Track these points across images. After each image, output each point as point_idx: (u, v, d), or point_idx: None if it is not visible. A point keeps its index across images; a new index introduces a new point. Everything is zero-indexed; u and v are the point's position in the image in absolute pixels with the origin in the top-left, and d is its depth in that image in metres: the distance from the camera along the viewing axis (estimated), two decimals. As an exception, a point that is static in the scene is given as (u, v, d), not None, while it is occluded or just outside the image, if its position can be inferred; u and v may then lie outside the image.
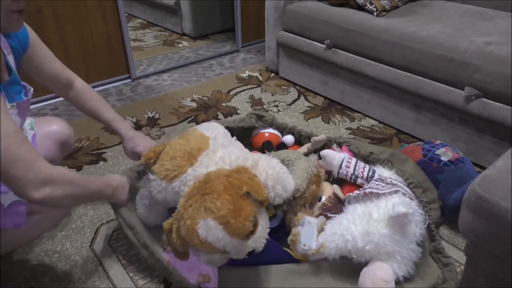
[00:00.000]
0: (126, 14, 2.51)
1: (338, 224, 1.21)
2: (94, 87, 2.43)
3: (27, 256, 1.34)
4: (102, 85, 2.48)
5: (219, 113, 2.18)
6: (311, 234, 1.21)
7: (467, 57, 1.63)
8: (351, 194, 1.28)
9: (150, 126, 2.08)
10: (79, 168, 1.76)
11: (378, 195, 1.22)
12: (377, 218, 1.17)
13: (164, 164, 1.17)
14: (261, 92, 2.41)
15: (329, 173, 1.42)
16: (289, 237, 1.20)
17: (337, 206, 1.31)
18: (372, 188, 1.24)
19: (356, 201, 1.26)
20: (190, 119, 2.13)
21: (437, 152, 1.43)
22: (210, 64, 2.82)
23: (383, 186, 1.25)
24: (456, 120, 1.75)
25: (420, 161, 1.43)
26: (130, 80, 2.57)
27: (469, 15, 1.99)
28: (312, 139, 1.55)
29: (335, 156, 1.39)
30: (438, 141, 1.51)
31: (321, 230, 1.23)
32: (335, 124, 2.07)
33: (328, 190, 1.35)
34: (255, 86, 2.48)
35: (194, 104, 2.27)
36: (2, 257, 1.32)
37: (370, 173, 1.35)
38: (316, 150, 1.53)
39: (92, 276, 1.27)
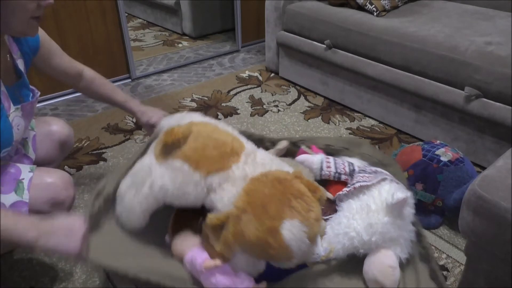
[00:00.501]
0: (126, 14, 2.51)
1: (338, 224, 1.20)
2: (94, 87, 2.45)
3: (27, 256, 1.34)
4: (102, 85, 2.48)
5: (219, 113, 2.18)
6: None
7: (467, 57, 1.63)
8: (341, 192, 1.27)
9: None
10: (79, 168, 1.76)
11: (368, 187, 1.23)
12: (376, 208, 1.18)
13: (201, 152, 0.99)
14: (261, 92, 2.41)
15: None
16: None
17: (330, 207, 1.30)
18: (360, 181, 1.25)
19: (348, 198, 1.25)
20: (190, 119, 2.13)
21: (437, 152, 1.43)
22: (210, 64, 2.82)
23: (368, 177, 1.26)
24: (456, 120, 1.75)
25: (420, 161, 1.43)
26: (130, 80, 2.57)
27: (469, 15, 1.99)
28: (275, 149, 1.48)
29: (313, 160, 1.38)
30: (438, 141, 1.51)
31: (322, 234, 1.23)
32: (335, 124, 2.07)
33: None
34: (255, 86, 2.48)
35: (194, 104, 2.27)
36: (2, 257, 1.32)
37: (351, 167, 1.36)
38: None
39: (92, 276, 1.27)
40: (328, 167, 1.36)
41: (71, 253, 0.90)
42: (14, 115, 1.11)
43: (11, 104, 1.11)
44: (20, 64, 1.19)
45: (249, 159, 1.02)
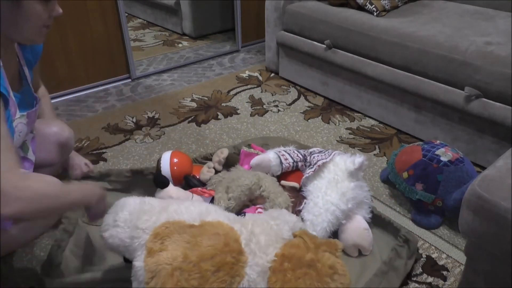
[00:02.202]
0: (126, 14, 2.51)
1: (315, 206, 1.28)
2: (94, 87, 2.45)
3: (27, 256, 1.34)
4: (102, 85, 2.48)
5: (219, 113, 2.18)
6: None
7: (467, 57, 1.63)
8: (307, 175, 1.35)
9: (150, 126, 2.08)
10: (79, 168, 1.76)
11: (324, 164, 1.35)
12: (341, 178, 1.30)
13: (197, 275, 0.92)
14: (261, 92, 2.41)
15: None
16: None
17: (297, 196, 1.35)
18: (319, 160, 1.36)
19: (311, 180, 1.34)
20: (190, 119, 2.13)
21: (437, 152, 1.43)
22: (210, 64, 2.82)
23: (322, 155, 1.39)
24: (456, 120, 1.75)
25: (420, 161, 1.43)
26: (130, 80, 2.57)
27: (469, 15, 1.99)
28: (219, 159, 1.49)
29: (269, 157, 1.40)
30: (438, 141, 1.51)
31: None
32: (335, 124, 2.07)
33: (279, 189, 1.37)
34: (255, 86, 2.48)
35: (194, 104, 2.27)
36: (2, 257, 1.32)
37: (301, 153, 1.44)
38: (228, 164, 1.50)
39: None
40: (286, 159, 1.43)
41: (102, 214, 1.09)
42: (18, 121, 1.12)
43: (17, 111, 1.11)
44: (26, 71, 1.20)
45: (255, 246, 0.99)
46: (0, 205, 0.83)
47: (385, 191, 1.62)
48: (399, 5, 2.15)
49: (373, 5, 2.03)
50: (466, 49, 1.65)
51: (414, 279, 1.25)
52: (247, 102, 2.30)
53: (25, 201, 0.87)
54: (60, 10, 1.09)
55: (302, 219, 1.28)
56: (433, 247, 1.36)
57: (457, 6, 2.15)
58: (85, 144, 1.93)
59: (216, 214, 1.05)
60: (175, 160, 1.42)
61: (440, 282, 1.24)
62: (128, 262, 1.12)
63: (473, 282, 1.02)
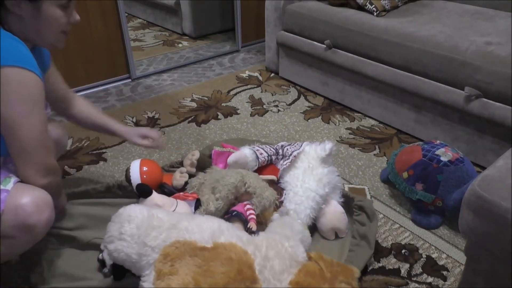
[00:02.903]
0: (126, 14, 2.51)
1: (295, 195, 1.34)
2: (94, 87, 2.45)
3: (27, 256, 1.34)
4: (102, 85, 2.48)
5: (219, 113, 2.18)
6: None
7: (467, 57, 1.63)
8: (284, 166, 1.41)
9: (150, 126, 2.08)
10: (79, 168, 1.76)
11: (297, 155, 1.42)
12: (315, 165, 1.37)
13: None
14: (261, 92, 2.41)
15: None
16: None
17: (277, 189, 1.38)
18: (294, 151, 1.43)
19: (287, 172, 1.41)
20: (190, 119, 2.13)
21: (437, 152, 1.43)
22: (210, 64, 2.82)
23: (294, 147, 1.45)
24: (456, 120, 1.75)
25: (420, 161, 1.43)
26: (130, 80, 2.57)
27: (469, 15, 1.99)
28: (191, 161, 1.48)
29: (245, 154, 1.43)
30: (438, 141, 1.51)
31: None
32: (335, 124, 2.07)
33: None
34: (255, 86, 2.48)
35: (194, 104, 2.27)
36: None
37: (273, 147, 1.49)
38: (202, 167, 1.49)
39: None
40: (261, 153, 1.46)
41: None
42: None
43: None
44: None
45: (269, 273, 0.97)
46: (39, 177, 1.04)
47: (385, 191, 1.62)
48: (399, 5, 2.15)
49: (373, 5, 2.03)
50: (466, 49, 1.65)
51: (414, 279, 1.25)
52: (247, 102, 2.30)
53: (55, 175, 1.11)
54: (78, 17, 1.12)
55: (287, 211, 1.33)
56: (433, 247, 1.36)
57: (457, 6, 2.15)
58: (85, 144, 1.93)
59: (229, 234, 1.00)
60: (145, 168, 1.39)
61: (440, 282, 1.24)
62: (117, 278, 1.12)
63: (473, 282, 1.02)
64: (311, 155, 1.42)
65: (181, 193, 1.32)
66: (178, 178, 1.42)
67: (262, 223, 1.29)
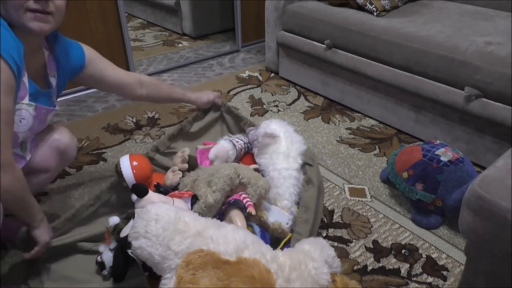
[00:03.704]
0: (126, 14, 2.51)
1: (272, 180, 1.36)
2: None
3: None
4: (102, 85, 2.48)
5: (219, 113, 2.18)
6: (280, 213, 1.30)
7: (467, 57, 1.63)
8: (256, 155, 1.43)
9: (150, 126, 2.08)
10: (79, 168, 1.76)
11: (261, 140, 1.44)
12: (274, 146, 1.40)
13: None
14: (261, 92, 2.41)
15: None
16: (276, 231, 1.27)
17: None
18: (255, 138, 1.45)
19: (259, 159, 1.43)
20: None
21: (437, 152, 1.43)
22: (210, 64, 2.82)
23: (251, 133, 1.48)
24: (456, 120, 1.75)
25: (420, 161, 1.43)
26: (130, 80, 2.57)
27: (469, 15, 1.99)
28: (183, 157, 1.47)
29: (223, 145, 1.46)
30: (438, 141, 1.51)
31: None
32: (335, 124, 2.07)
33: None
34: (255, 86, 2.48)
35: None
36: (2, 257, 1.32)
37: (244, 136, 1.53)
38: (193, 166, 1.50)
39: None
40: (237, 141, 1.49)
41: (41, 242, 1.14)
42: (24, 107, 1.11)
43: (27, 97, 1.11)
44: (52, 81, 1.23)
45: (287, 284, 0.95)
46: None
47: (385, 191, 1.62)
48: (399, 5, 2.15)
49: (373, 5, 2.03)
50: (466, 49, 1.65)
51: (414, 279, 1.25)
52: (247, 102, 2.30)
53: (8, 174, 0.99)
54: None
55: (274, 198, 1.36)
56: (433, 247, 1.36)
57: (457, 6, 2.15)
58: (85, 144, 1.93)
59: (253, 249, 0.98)
60: (135, 163, 1.38)
61: (440, 282, 1.24)
62: (117, 280, 1.13)
63: (473, 282, 1.02)
64: (263, 128, 1.45)
65: (176, 192, 1.32)
66: (171, 177, 1.43)
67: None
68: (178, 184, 1.39)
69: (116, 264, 1.15)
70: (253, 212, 1.20)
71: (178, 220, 0.99)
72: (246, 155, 1.52)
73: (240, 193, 1.28)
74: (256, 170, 1.42)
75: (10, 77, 0.97)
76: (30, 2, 1.00)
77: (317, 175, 1.38)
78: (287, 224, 1.29)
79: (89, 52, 1.33)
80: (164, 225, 0.98)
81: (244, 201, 1.24)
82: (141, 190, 1.21)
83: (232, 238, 0.97)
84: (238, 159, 1.51)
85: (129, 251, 1.10)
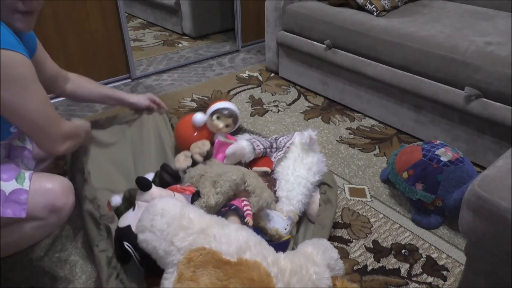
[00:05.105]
0: (126, 14, 2.51)
1: (287, 183, 1.38)
2: (94, 87, 2.45)
3: (27, 256, 1.34)
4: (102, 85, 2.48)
5: (219, 113, 2.18)
6: (278, 218, 1.30)
7: (467, 57, 1.63)
8: (279, 157, 1.45)
9: (150, 126, 2.08)
10: (79, 168, 1.76)
11: (289, 146, 1.48)
12: (304, 155, 1.44)
13: None
14: (261, 92, 2.41)
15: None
16: (273, 236, 1.28)
17: (269, 179, 1.41)
18: (286, 142, 1.49)
19: (278, 163, 1.46)
20: (190, 119, 2.13)
21: (437, 152, 1.43)
22: (210, 64, 2.82)
23: (285, 139, 1.51)
24: (456, 120, 1.75)
25: (420, 161, 1.43)
26: (130, 80, 2.57)
27: (469, 15, 1.99)
28: (201, 151, 1.47)
29: (243, 145, 1.46)
30: (438, 141, 1.51)
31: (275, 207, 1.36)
32: (335, 124, 2.07)
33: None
34: (255, 86, 2.48)
35: (194, 104, 2.27)
36: (2, 258, 1.32)
37: (267, 140, 1.53)
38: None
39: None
40: (257, 145, 1.49)
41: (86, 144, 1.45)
42: None
43: None
44: None
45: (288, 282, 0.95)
46: (58, 145, 1.10)
47: (385, 191, 1.62)
48: (399, 5, 2.15)
49: (373, 5, 2.03)
50: (466, 49, 1.65)
51: (414, 279, 1.25)
52: (247, 102, 2.30)
53: (72, 139, 1.15)
54: None
55: (277, 199, 1.37)
56: (433, 247, 1.36)
57: (457, 6, 2.15)
58: (85, 144, 1.93)
59: (255, 251, 0.97)
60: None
61: (440, 282, 1.24)
62: (123, 262, 1.13)
63: (473, 282, 1.02)
64: (296, 141, 1.49)
65: (178, 186, 1.32)
66: (182, 161, 1.43)
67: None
68: (184, 171, 1.40)
69: (116, 255, 1.16)
70: (251, 223, 1.21)
71: (183, 216, 1.00)
72: (263, 157, 1.51)
73: (243, 199, 1.28)
74: (266, 173, 1.43)
75: (32, 66, 1.03)
76: (19, 4, 1.03)
77: (335, 197, 1.40)
78: (285, 229, 1.30)
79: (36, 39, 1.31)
80: (169, 220, 0.99)
81: (244, 209, 1.25)
82: (144, 184, 1.22)
83: (234, 238, 0.98)
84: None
85: (125, 243, 1.11)
